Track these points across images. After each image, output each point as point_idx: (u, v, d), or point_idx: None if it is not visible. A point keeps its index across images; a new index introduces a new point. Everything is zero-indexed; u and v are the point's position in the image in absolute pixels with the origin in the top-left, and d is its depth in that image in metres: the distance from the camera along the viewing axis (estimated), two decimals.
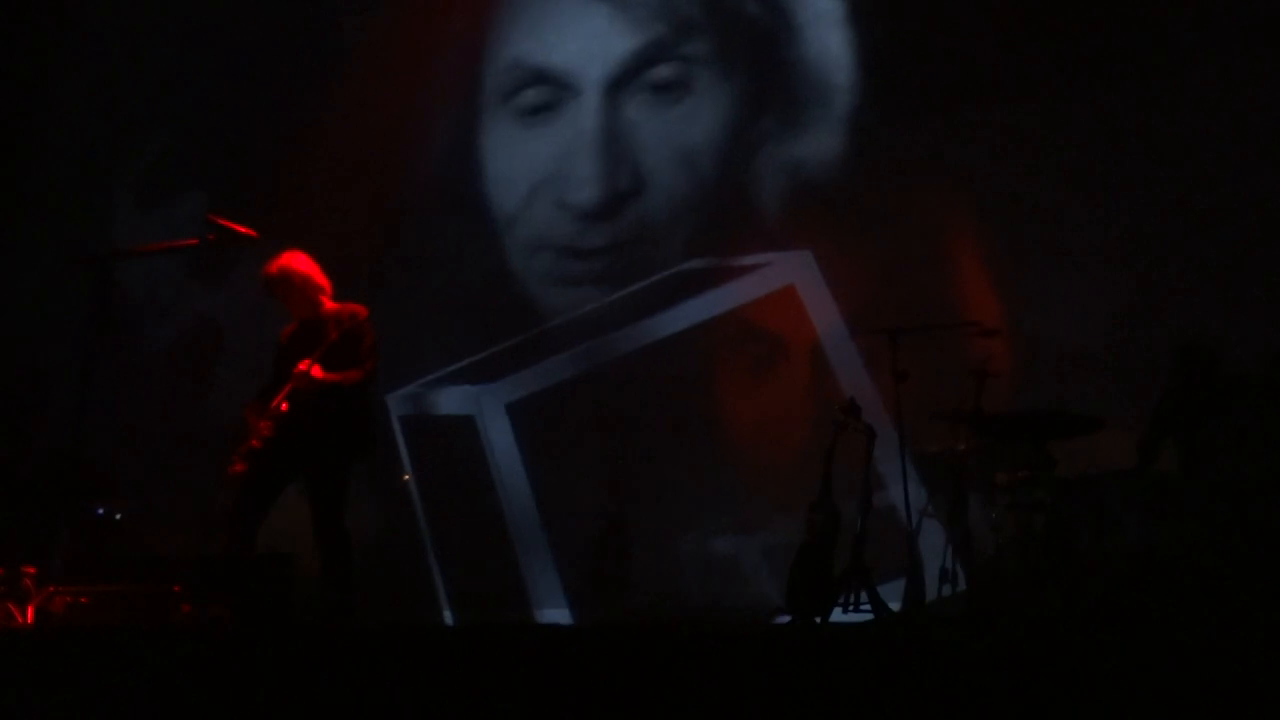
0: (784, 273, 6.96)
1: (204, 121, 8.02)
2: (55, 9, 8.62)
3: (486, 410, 7.19)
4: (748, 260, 7.09)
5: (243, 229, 4.99)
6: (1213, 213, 6.23)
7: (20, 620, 5.06)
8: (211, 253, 4.99)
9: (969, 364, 5.26)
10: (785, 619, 5.20)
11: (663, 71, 7.55)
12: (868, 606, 5.00)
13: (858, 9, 7.27)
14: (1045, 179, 6.64)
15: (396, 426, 7.45)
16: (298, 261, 5.01)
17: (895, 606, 5.15)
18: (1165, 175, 6.37)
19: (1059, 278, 6.51)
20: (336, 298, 5.10)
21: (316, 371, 4.74)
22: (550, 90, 7.77)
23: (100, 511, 6.61)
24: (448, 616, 7.24)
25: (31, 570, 5.36)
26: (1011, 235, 6.67)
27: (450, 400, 7.41)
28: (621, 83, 7.58)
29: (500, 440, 7.15)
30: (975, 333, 5.24)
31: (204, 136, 7.98)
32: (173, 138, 8.11)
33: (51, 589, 5.24)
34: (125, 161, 8.13)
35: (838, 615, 5.08)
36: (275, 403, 4.79)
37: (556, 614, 6.98)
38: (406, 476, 7.46)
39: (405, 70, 7.89)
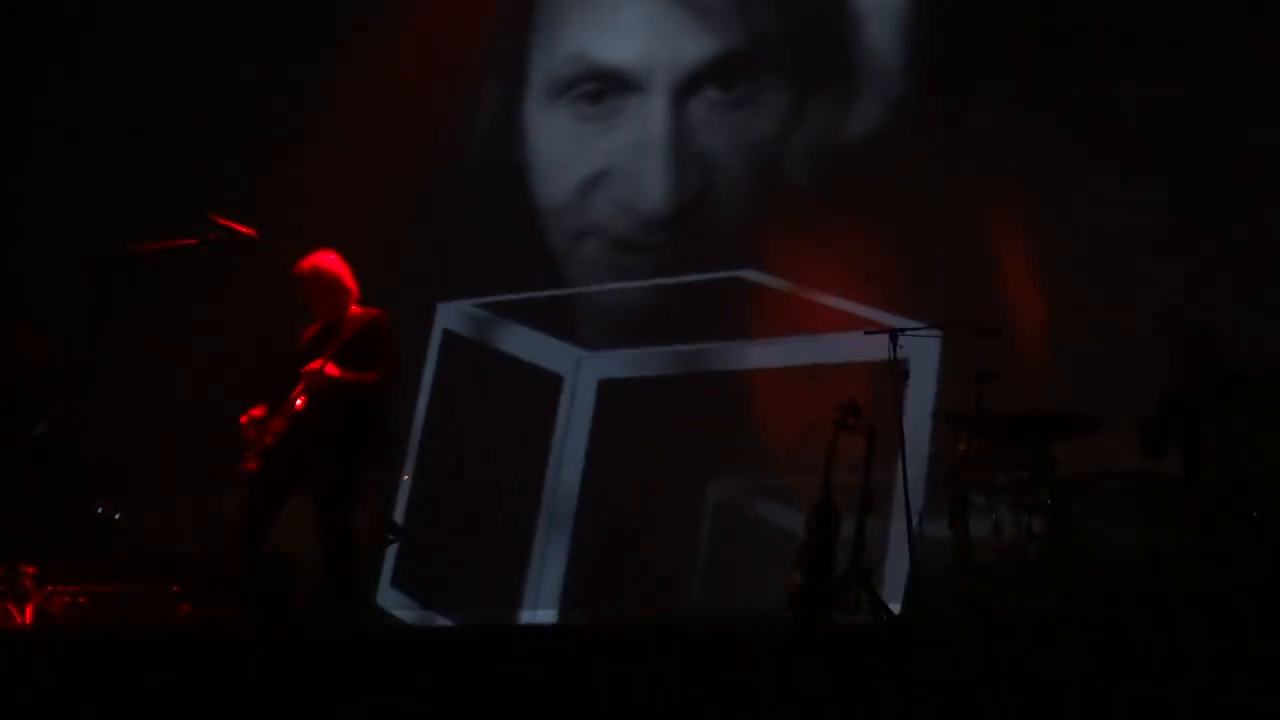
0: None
1: (229, 99, 7.98)
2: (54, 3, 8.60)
3: (581, 379, 7.25)
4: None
5: (243, 228, 4.99)
6: (1214, 213, 6.23)
7: (20, 620, 5.06)
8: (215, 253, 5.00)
9: (969, 364, 5.25)
10: (786, 619, 5.18)
11: (732, 77, 7.55)
12: (868, 607, 4.99)
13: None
14: (1044, 180, 6.64)
15: (435, 341, 7.50)
16: (329, 262, 5.03)
17: (895, 607, 5.14)
18: (1166, 175, 6.36)
19: (1060, 278, 6.51)
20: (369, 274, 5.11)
21: (331, 369, 4.74)
22: (613, 86, 7.76)
23: (100, 511, 6.60)
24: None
25: (31, 570, 5.36)
26: (1012, 236, 6.67)
27: (537, 348, 7.43)
28: (690, 87, 7.58)
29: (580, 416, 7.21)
30: (977, 333, 5.22)
31: (230, 116, 7.94)
32: (192, 123, 8.04)
33: (51, 589, 5.24)
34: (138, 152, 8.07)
35: (838, 616, 5.07)
36: (290, 401, 4.79)
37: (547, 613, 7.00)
38: (406, 476, 7.45)
39: (441, 48, 7.88)
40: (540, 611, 7.10)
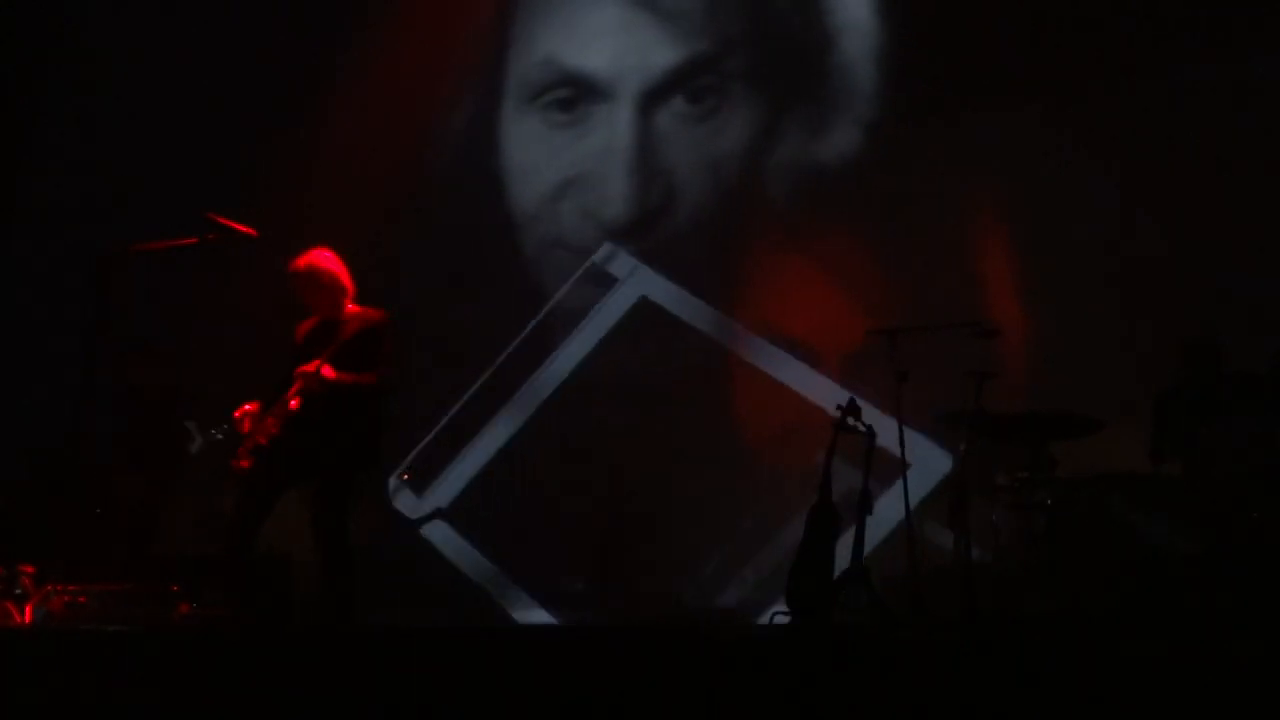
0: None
1: (211, 105, 7.97)
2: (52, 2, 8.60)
3: (626, 286, 7.40)
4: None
5: (242, 227, 4.97)
6: (1214, 212, 6.23)
7: (19, 620, 5.05)
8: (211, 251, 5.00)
9: (969, 364, 5.25)
10: (785, 619, 5.19)
11: (700, 86, 7.54)
12: (868, 607, 4.99)
13: (886, 12, 7.30)
14: (1045, 180, 6.64)
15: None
16: (325, 259, 4.94)
17: (895, 607, 5.14)
18: (1166, 175, 6.37)
19: (1059, 278, 6.51)
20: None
21: (327, 371, 4.67)
22: (582, 93, 7.76)
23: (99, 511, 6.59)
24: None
25: (31, 570, 5.35)
26: (1012, 236, 6.67)
27: (612, 257, 7.57)
28: (657, 95, 7.58)
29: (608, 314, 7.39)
30: (976, 333, 5.23)
31: (211, 122, 7.93)
32: (177, 128, 8.04)
33: (50, 588, 5.23)
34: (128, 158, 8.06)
35: (838, 616, 5.07)
36: (283, 400, 4.74)
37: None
38: (406, 475, 7.45)
39: (420, 52, 7.87)
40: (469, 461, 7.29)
